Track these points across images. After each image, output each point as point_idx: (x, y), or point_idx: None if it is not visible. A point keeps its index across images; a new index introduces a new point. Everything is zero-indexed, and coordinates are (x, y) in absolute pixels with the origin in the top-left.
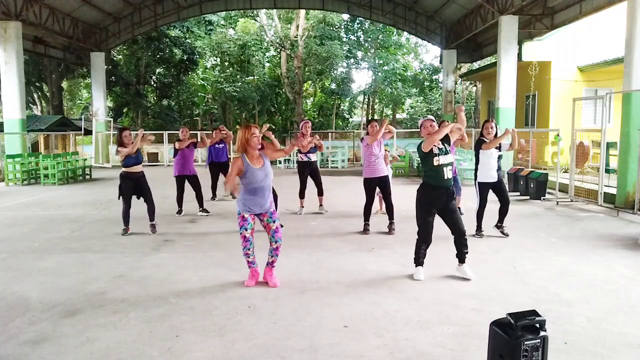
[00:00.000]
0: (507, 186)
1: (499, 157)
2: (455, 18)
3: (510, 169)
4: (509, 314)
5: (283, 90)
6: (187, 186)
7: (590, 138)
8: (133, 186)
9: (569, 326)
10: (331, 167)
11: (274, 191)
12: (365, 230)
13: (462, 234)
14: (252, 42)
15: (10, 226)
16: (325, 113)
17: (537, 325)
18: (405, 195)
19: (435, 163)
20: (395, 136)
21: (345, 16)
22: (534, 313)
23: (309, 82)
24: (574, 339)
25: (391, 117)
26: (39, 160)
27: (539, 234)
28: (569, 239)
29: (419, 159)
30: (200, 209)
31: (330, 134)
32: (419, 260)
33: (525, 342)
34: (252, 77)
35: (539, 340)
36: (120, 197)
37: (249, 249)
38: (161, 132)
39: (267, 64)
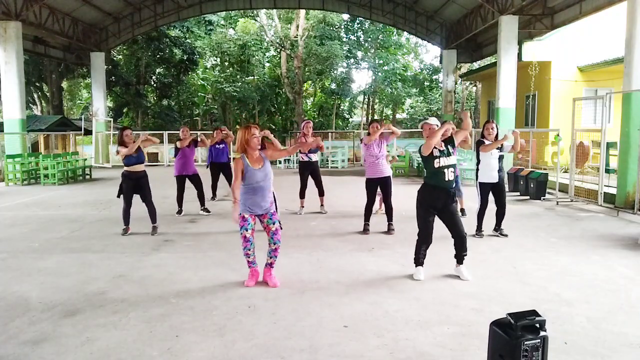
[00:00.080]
0: (507, 187)
1: (500, 158)
2: (455, 18)
3: (511, 169)
4: (509, 314)
5: (283, 90)
6: (187, 186)
7: (590, 138)
8: (134, 186)
9: (569, 326)
10: (331, 167)
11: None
12: (365, 230)
13: (461, 237)
14: (252, 42)
15: (10, 226)
16: (325, 113)
17: (537, 325)
18: (405, 195)
19: (436, 165)
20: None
21: (345, 16)
22: (534, 313)
23: (309, 82)
24: (574, 339)
25: (391, 117)
26: (39, 160)
27: (539, 234)
28: (569, 239)
29: (419, 159)
30: (202, 207)
31: (330, 134)
32: (419, 261)
33: (525, 342)
34: (252, 77)
35: (539, 340)
36: (120, 195)
37: (249, 249)
38: (161, 132)
39: (267, 64)
